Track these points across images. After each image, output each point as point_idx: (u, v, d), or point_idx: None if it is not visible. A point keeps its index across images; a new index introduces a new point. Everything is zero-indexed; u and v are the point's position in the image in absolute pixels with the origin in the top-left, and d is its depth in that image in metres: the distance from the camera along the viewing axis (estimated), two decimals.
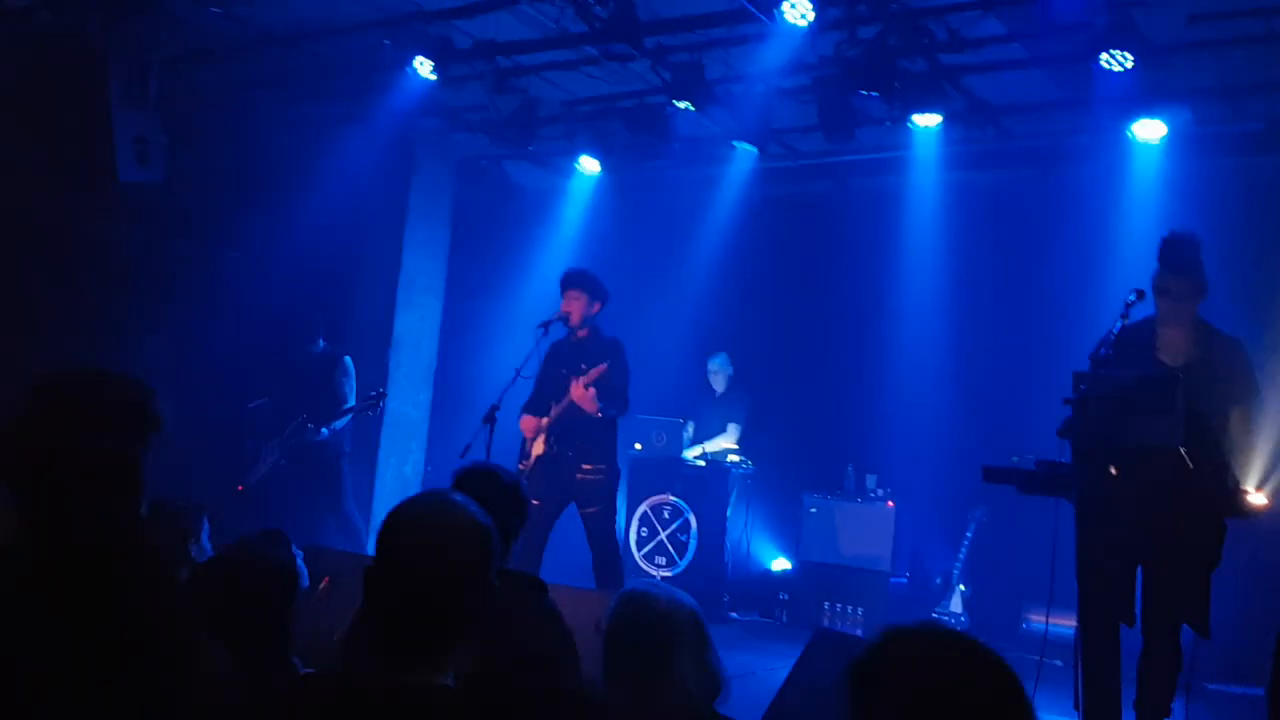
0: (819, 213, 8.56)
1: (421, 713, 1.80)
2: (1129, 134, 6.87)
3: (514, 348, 6.69)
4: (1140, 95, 6.36)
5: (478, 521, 1.97)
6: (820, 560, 7.88)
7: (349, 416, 7.17)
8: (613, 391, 6.40)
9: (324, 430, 7.04)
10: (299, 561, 2.87)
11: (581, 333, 6.52)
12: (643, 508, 8.19)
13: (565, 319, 6.45)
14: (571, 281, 6.45)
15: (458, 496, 2.01)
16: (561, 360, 6.55)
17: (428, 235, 8.92)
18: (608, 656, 2.84)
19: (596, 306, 6.50)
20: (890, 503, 7.87)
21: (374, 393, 7.24)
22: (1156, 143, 6.89)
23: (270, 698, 1.69)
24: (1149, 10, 5.80)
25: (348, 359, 7.38)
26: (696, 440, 8.49)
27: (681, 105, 7.41)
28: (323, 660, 3.20)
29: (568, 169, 9.03)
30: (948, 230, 7.61)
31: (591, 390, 6.24)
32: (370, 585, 1.92)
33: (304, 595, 2.81)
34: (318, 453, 7.08)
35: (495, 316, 8.77)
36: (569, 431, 6.42)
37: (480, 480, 3.09)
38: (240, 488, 6.83)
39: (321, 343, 7.37)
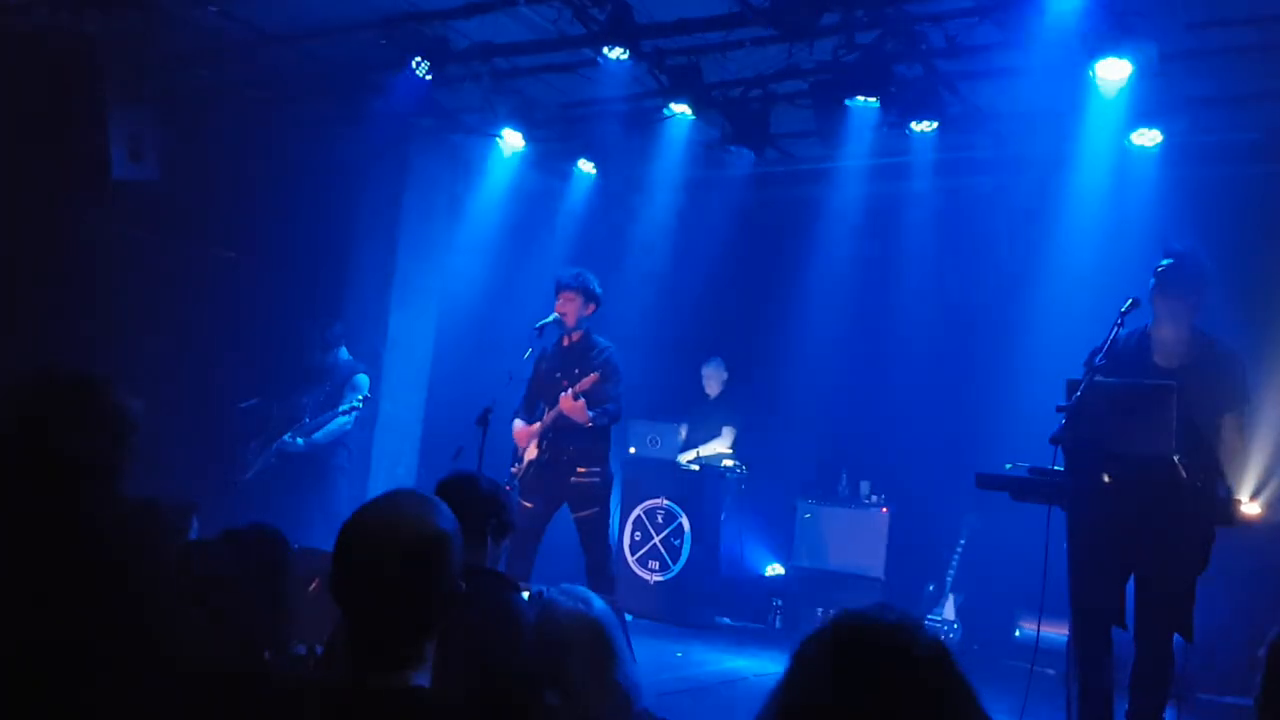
0: (814, 218, 8.56)
1: (384, 714, 1.80)
2: (1126, 141, 6.87)
3: (508, 350, 6.68)
4: (1136, 102, 6.37)
5: (434, 525, 1.95)
6: (813, 566, 7.88)
7: (329, 427, 7.11)
8: (604, 399, 6.39)
9: (299, 440, 6.99)
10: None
11: (575, 335, 6.51)
12: (636, 512, 8.17)
13: (560, 320, 6.45)
14: (566, 283, 6.45)
15: (416, 499, 2.00)
16: (555, 364, 6.54)
17: (422, 236, 8.89)
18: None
19: (591, 308, 6.49)
20: (884, 509, 7.86)
21: (357, 400, 7.20)
22: (1153, 150, 6.90)
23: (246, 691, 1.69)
24: (1146, 18, 5.80)
25: (361, 376, 7.33)
26: (690, 444, 8.48)
27: (678, 109, 7.42)
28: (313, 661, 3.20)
29: (564, 171, 9.03)
30: (943, 236, 7.62)
31: (581, 401, 6.23)
32: (331, 590, 1.92)
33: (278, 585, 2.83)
34: (307, 457, 7.04)
35: (490, 318, 8.75)
36: (562, 436, 6.41)
37: (458, 487, 3.17)
38: (233, 481, 6.82)
39: (344, 353, 7.35)
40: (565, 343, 6.53)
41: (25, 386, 2.11)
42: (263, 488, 6.92)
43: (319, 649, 3.06)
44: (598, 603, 2.91)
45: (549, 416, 6.40)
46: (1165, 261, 4.57)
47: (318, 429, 7.08)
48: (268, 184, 7.34)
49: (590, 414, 6.26)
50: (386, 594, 1.90)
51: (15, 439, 2.01)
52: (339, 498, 7.23)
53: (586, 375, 6.31)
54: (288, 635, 2.98)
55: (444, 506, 2.02)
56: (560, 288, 6.46)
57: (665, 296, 8.63)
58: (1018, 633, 6.98)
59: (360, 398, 7.20)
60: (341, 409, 7.15)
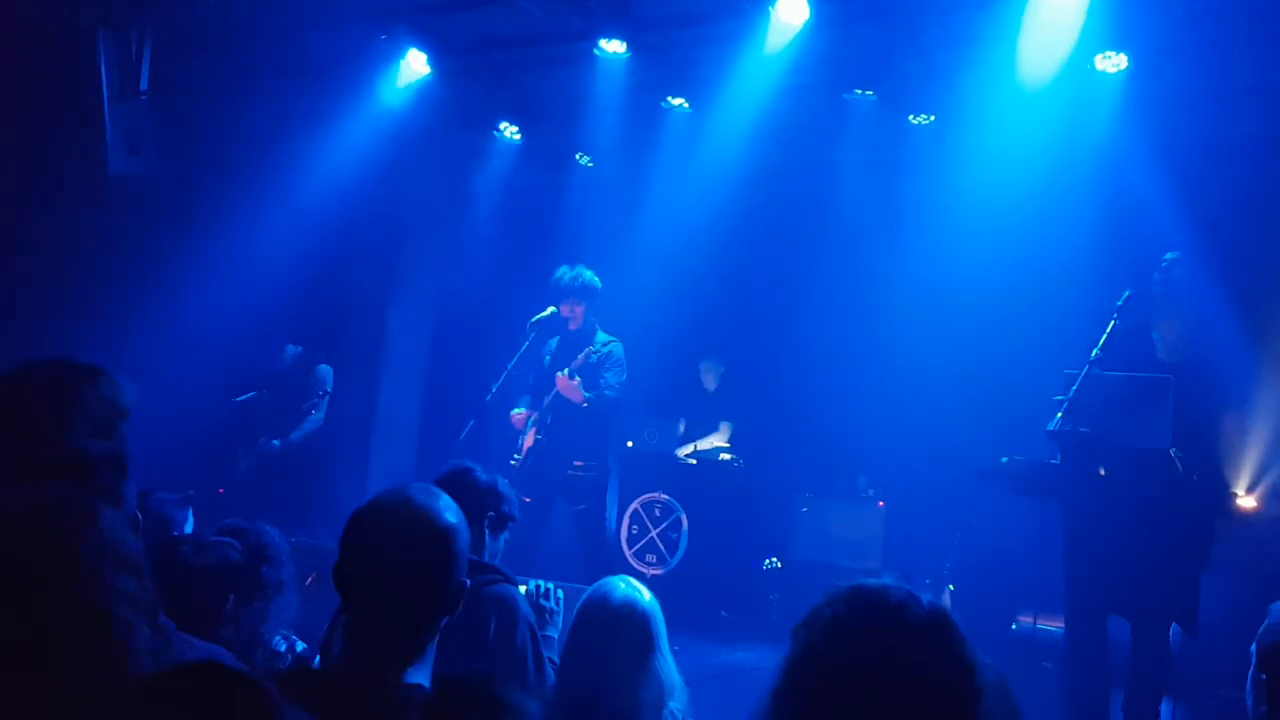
0: (811, 211, 8.54)
1: (376, 711, 1.79)
2: (1123, 135, 6.86)
3: (507, 344, 6.69)
4: (1134, 96, 6.36)
5: (441, 519, 1.94)
6: (811, 559, 7.87)
7: (303, 426, 7.07)
8: (603, 384, 6.42)
9: (275, 442, 6.94)
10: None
11: (579, 331, 6.57)
12: (634, 505, 8.16)
13: (565, 323, 6.51)
14: (566, 288, 6.48)
15: (423, 494, 1.99)
16: (557, 358, 6.60)
17: (420, 231, 8.89)
18: (564, 651, 2.88)
19: (595, 306, 6.57)
20: (881, 502, 7.86)
21: (320, 394, 7.16)
22: (1151, 144, 6.88)
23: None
24: (1143, 11, 5.80)
25: (322, 368, 7.22)
26: (688, 438, 8.47)
27: (676, 101, 7.41)
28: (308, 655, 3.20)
29: (562, 164, 9.01)
30: (940, 229, 7.59)
31: (576, 380, 6.27)
32: (336, 584, 1.91)
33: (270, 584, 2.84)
34: (287, 456, 7.01)
35: (487, 312, 8.75)
36: (559, 426, 6.43)
37: (455, 480, 3.17)
38: (220, 490, 6.79)
39: (291, 349, 7.24)
40: (570, 339, 6.59)
41: (9, 378, 2.10)
42: (252, 484, 6.89)
43: (299, 644, 3.05)
44: (649, 594, 2.95)
45: (546, 399, 6.47)
46: (1169, 256, 4.59)
47: (293, 428, 7.03)
48: (265, 178, 7.32)
49: (586, 394, 6.31)
50: (394, 587, 1.89)
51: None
52: (326, 486, 7.20)
53: (587, 363, 6.38)
54: (272, 631, 2.97)
55: (451, 501, 2.01)
56: (562, 295, 6.47)
57: (663, 291, 8.62)
58: (1015, 626, 6.98)
59: (322, 391, 7.14)
60: (310, 406, 7.09)
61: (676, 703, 2.89)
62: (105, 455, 2.05)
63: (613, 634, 2.83)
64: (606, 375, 6.44)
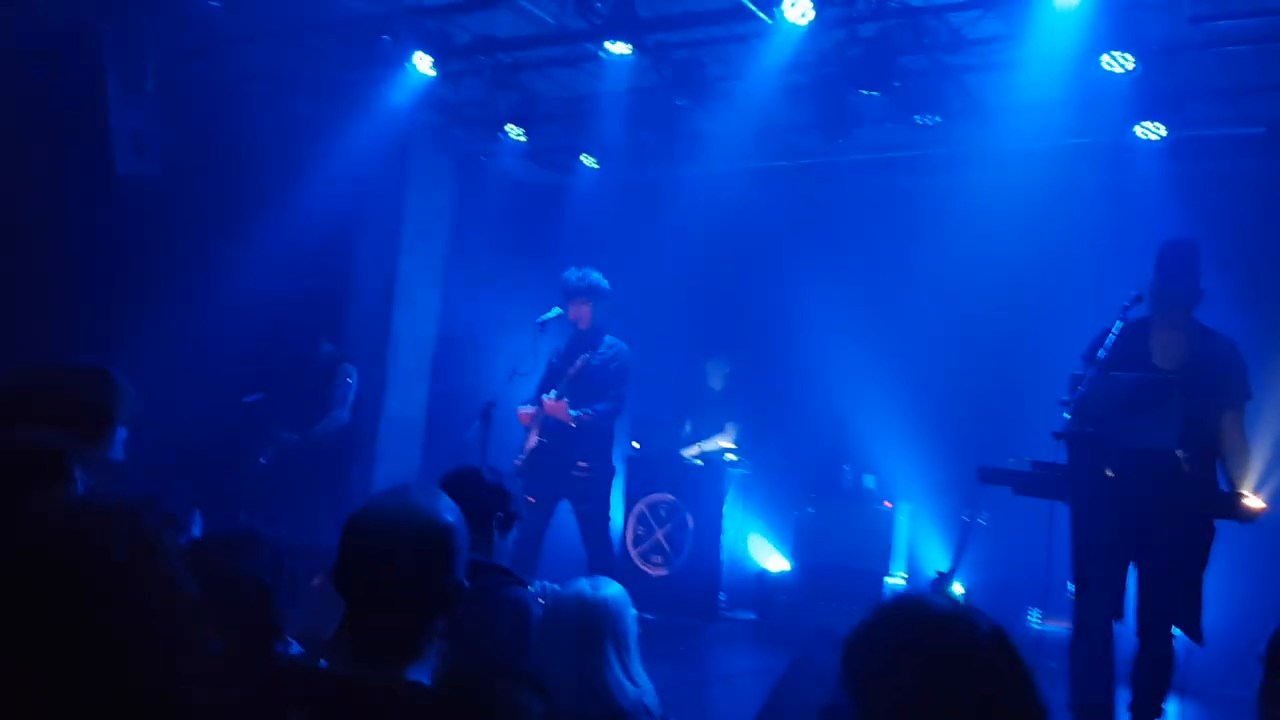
0: (818, 212, 8.55)
1: (379, 707, 1.80)
2: (1130, 135, 6.85)
3: (512, 344, 6.70)
4: (1141, 95, 6.35)
5: (439, 520, 1.95)
6: (817, 560, 7.86)
7: (325, 423, 7.09)
8: (602, 394, 6.43)
9: (296, 436, 6.96)
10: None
11: (587, 333, 6.60)
12: (639, 506, 8.17)
13: (574, 324, 6.54)
14: (574, 289, 6.50)
15: (421, 494, 2.00)
16: (564, 356, 6.63)
17: (425, 231, 8.90)
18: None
19: (604, 306, 6.59)
20: (887, 503, 7.85)
21: (343, 391, 7.21)
22: (1157, 144, 6.87)
23: (249, 688, 1.69)
24: (1150, 10, 5.79)
25: (347, 366, 7.28)
26: (694, 439, 8.47)
27: (681, 103, 7.40)
28: (315, 656, 3.20)
29: (567, 165, 9.02)
30: (947, 229, 7.58)
31: (563, 401, 6.29)
32: (335, 583, 1.93)
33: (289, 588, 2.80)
34: (309, 451, 7.04)
35: (493, 313, 8.76)
36: (562, 427, 6.44)
37: (462, 481, 3.17)
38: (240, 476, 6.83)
39: (326, 346, 7.32)
40: (578, 337, 6.62)
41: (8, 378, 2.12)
42: (268, 482, 6.91)
43: (294, 645, 3.04)
44: (604, 591, 2.88)
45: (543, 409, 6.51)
46: (1165, 256, 4.58)
47: (314, 424, 7.05)
48: (270, 179, 7.34)
49: (573, 413, 6.33)
50: (390, 587, 1.90)
51: None
52: (332, 486, 7.22)
53: (588, 366, 6.37)
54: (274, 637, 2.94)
55: (449, 501, 2.02)
56: (570, 296, 6.50)
57: (668, 291, 8.63)
58: (1021, 627, 6.97)
59: (345, 389, 7.19)
60: (334, 402, 7.14)
61: (636, 700, 2.80)
62: (45, 448, 2.05)
63: (547, 635, 2.79)
64: (603, 387, 6.47)
